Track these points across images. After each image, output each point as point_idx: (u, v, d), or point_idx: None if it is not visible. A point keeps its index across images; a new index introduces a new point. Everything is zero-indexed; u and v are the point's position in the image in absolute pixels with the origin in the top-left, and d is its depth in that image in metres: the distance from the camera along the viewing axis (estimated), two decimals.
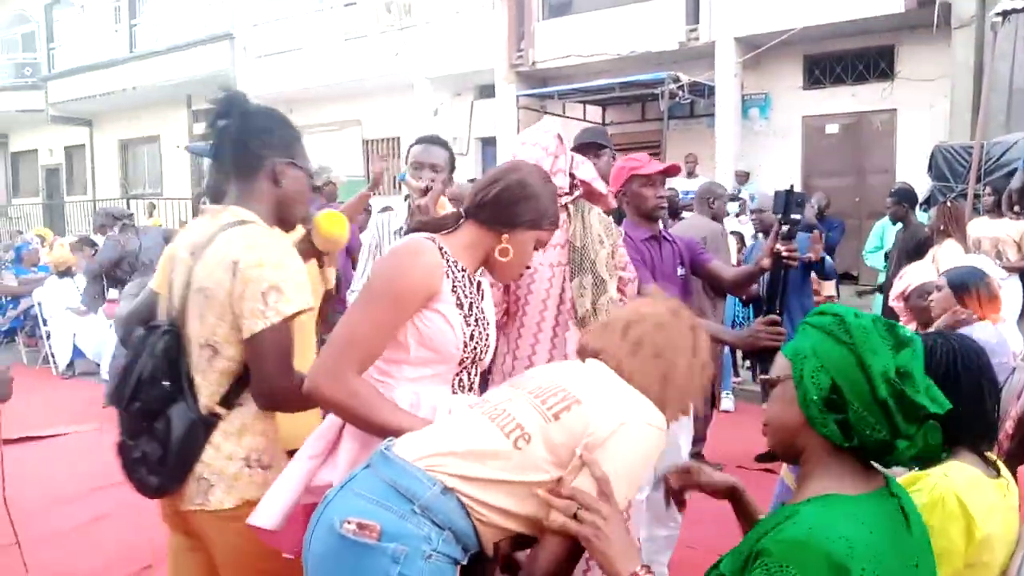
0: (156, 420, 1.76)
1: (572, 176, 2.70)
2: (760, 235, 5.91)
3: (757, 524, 1.41)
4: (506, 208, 1.73)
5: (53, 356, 8.61)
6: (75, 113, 19.58)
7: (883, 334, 1.29)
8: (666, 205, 3.06)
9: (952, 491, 1.62)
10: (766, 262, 2.72)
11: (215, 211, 1.87)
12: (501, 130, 12.53)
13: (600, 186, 2.74)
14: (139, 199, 17.55)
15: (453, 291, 1.67)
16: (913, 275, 4.03)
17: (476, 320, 1.71)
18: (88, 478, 4.81)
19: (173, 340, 1.79)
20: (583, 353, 1.63)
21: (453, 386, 1.72)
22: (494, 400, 1.52)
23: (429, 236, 1.71)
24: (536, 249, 1.81)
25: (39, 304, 8.79)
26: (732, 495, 1.63)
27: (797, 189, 2.85)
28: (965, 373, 1.77)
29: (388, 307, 1.61)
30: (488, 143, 13.49)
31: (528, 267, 1.87)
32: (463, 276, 1.72)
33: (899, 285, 4.07)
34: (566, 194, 2.67)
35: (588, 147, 3.57)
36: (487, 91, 13.28)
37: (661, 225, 3.18)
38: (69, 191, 21.19)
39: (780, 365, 1.37)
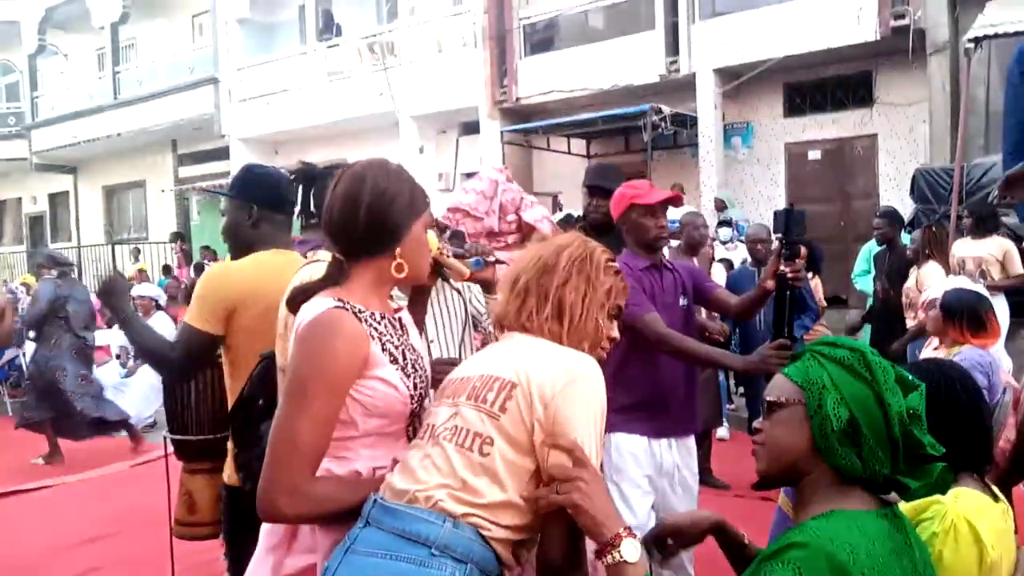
0: (253, 433, 1.92)
1: (518, 216, 2.75)
2: (747, 261, 5.92)
3: (761, 552, 1.40)
4: (381, 226, 1.56)
5: None
6: (59, 161, 19.57)
7: (896, 375, 1.32)
8: (667, 235, 2.93)
9: (964, 517, 1.61)
10: (770, 284, 2.62)
11: (312, 256, 2.03)
12: (487, 165, 12.62)
13: (545, 227, 2.80)
14: (124, 244, 17.49)
15: (384, 350, 1.53)
16: (936, 288, 4.09)
17: (413, 365, 1.59)
18: (78, 530, 4.72)
19: (270, 364, 1.96)
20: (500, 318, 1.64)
21: (408, 436, 1.62)
22: (441, 422, 1.47)
23: (337, 302, 1.52)
24: (428, 228, 1.70)
25: (24, 354, 8.68)
26: (716, 530, 1.61)
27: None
28: (965, 397, 1.79)
29: (323, 399, 1.46)
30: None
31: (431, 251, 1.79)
32: (385, 325, 1.58)
33: (925, 294, 4.22)
34: (511, 233, 2.73)
35: (594, 191, 3.54)
36: (472, 128, 13.39)
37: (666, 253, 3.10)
38: (53, 239, 21.09)
39: (786, 388, 1.36)
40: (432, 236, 2.18)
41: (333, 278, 1.60)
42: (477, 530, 1.37)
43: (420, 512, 1.37)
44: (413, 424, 1.63)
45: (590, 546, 1.39)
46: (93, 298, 7.29)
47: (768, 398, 1.38)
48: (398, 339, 1.59)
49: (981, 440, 1.80)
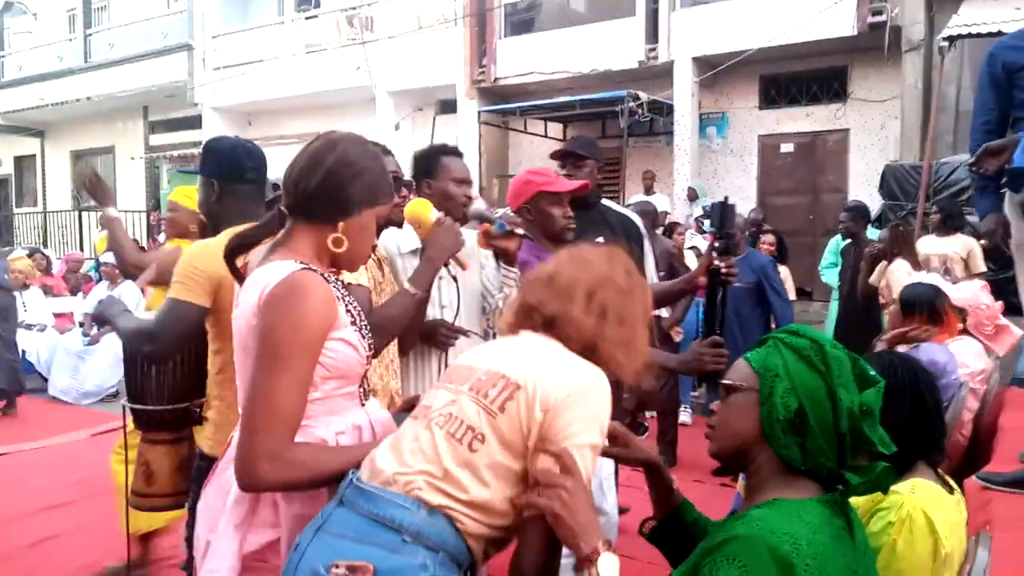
0: None
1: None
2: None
3: (706, 536, 1.41)
4: (332, 194, 1.54)
5: None
6: (26, 123, 19.07)
7: (853, 370, 1.32)
8: (574, 226, 2.78)
9: (920, 509, 1.63)
10: (702, 280, 2.54)
11: None
12: (463, 145, 12.48)
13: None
14: (91, 211, 17.15)
15: (347, 311, 1.54)
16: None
17: (365, 327, 1.59)
18: (35, 498, 4.67)
19: None
20: (531, 312, 1.53)
21: (360, 398, 1.61)
22: (437, 406, 1.43)
23: (301, 264, 1.50)
24: (378, 223, 1.66)
25: None
26: (649, 468, 1.62)
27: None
28: (927, 390, 1.82)
29: (301, 361, 1.44)
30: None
31: (374, 247, 1.77)
32: (341, 287, 1.58)
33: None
34: None
35: (567, 156, 3.32)
36: (449, 106, 13.30)
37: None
38: (18, 203, 20.62)
39: (743, 373, 1.38)
40: (427, 205, 2.24)
41: (272, 227, 1.56)
42: (452, 522, 1.34)
43: (394, 496, 1.33)
44: (362, 385, 1.62)
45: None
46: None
47: (725, 381, 1.40)
48: (351, 302, 1.59)
49: (938, 432, 1.84)
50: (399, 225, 2.52)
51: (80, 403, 7.56)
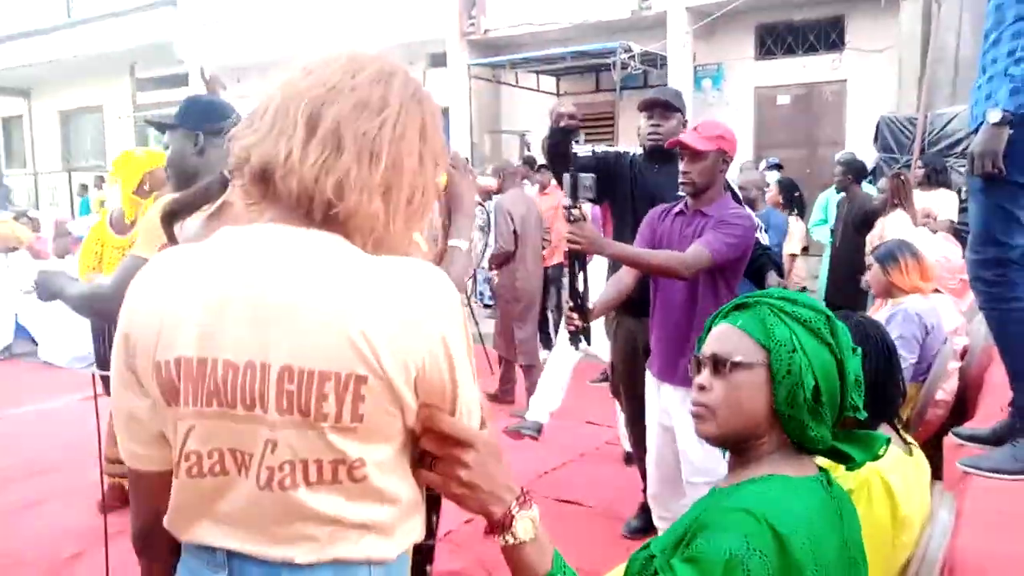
0: None
1: None
2: None
3: (689, 509, 1.35)
4: None
5: None
6: (11, 82, 18.82)
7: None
8: (683, 182, 2.74)
9: (877, 473, 1.62)
10: (564, 247, 2.63)
11: None
12: (454, 99, 12.35)
13: None
14: (82, 171, 17.01)
15: None
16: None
17: None
18: (17, 464, 4.66)
19: None
20: (242, 169, 1.05)
21: None
22: (258, 457, 0.95)
23: None
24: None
25: None
26: None
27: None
28: (892, 352, 1.81)
29: None
30: (442, 113, 13.27)
31: None
32: None
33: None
34: None
35: (652, 106, 3.23)
36: (439, 60, 13.06)
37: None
38: (7, 164, 20.43)
39: (747, 347, 1.24)
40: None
41: (212, 193, 1.50)
42: (406, 552, 1.07)
43: (343, 570, 0.99)
44: None
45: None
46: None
47: (731, 358, 1.24)
48: None
49: (898, 393, 1.83)
50: None
51: (72, 367, 7.55)
